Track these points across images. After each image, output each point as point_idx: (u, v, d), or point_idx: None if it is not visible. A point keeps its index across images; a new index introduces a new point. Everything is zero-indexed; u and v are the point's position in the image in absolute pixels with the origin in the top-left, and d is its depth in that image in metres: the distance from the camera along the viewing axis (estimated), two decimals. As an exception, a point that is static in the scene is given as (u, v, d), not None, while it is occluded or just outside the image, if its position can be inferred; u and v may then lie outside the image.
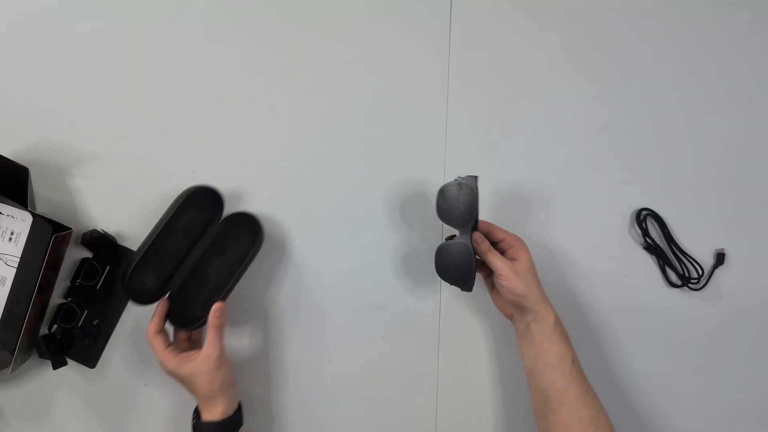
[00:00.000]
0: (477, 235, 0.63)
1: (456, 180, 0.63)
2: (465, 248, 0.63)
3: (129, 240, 0.73)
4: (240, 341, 0.72)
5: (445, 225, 0.66)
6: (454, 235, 0.65)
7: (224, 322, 0.63)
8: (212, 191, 0.68)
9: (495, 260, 0.62)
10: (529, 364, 0.62)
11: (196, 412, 0.63)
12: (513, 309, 0.65)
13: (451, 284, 0.65)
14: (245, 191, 0.74)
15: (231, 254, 0.67)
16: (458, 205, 0.63)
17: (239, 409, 0.64)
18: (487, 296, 0.71)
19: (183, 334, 0.66)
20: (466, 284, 0.63)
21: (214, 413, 0.60)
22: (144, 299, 0.66)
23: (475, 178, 0.63)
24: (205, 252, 0.68)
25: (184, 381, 0.62)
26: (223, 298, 0.66)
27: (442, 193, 0.64)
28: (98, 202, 0.73)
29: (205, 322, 0.63)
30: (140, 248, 0.66)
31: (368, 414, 0.72)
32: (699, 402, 0.72)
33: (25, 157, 0.72)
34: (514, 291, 0.61)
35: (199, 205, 0.68)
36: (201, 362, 0.60)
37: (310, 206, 0.74)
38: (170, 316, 0.65)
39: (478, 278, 0.67)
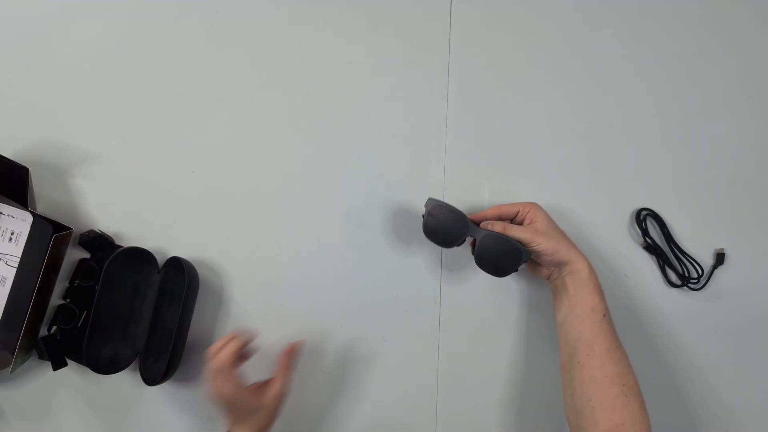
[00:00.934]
0: (486, 223, 0.64)
1: (424, 214, 0.64)
2: (495, 236, 0.63)
3: (128, 240, 0.73)
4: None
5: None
6: (474, 239, 0.66)
7: (297, 362, 0.62)
8: (140, 251, 0.70)
9: (515, 232, 0.62)
10: (561, 316, 0.63)
11: None
12: (551, 268, 0.65)
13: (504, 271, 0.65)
14: (246, 191, 0.74)
15: (178, 298, 0.68)
16: (448, 223, 0.64)
17: None
18: (487, 296, 0.71)
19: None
20: (519, 261, 0.63)
21: None
22: (111, 368, 0.68)
23: (429, 198, 0.64)
24: (156, 304, 0.70)
25: (244, 411, 0.59)
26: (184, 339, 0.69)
27: (428, 231, 0.64)
28: (98, 202, 0.73)
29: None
30: (89, 321, 0.67)
31: (368, 414, 0.72)
32: (699, 402, 0.71)
33: (25, 157, 0.72)
34: (545, 251, 0.61)
35: (134, 265, 0.70)
36: (273, 399, 0.60)
37: (310, 206, 0.74)
38: (144, 374, 0.68)
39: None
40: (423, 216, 0.65)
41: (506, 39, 0.77)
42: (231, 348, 0.59)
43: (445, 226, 0.64)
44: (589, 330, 0.59)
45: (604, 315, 0.60)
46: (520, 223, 0.65)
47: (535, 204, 0.65)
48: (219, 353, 0.59)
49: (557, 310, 0.64)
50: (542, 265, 0.66)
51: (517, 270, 0.64)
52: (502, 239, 0.63)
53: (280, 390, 0.61)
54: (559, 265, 0.63)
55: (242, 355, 0.61)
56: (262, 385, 0.62)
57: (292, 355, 0.63)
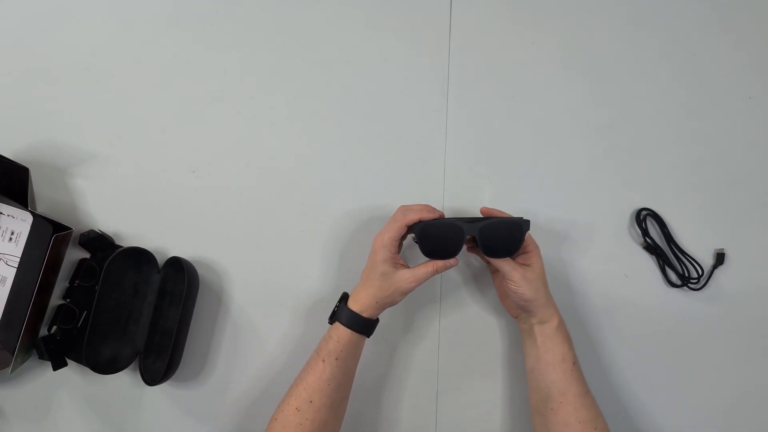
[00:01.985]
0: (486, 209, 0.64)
1: (416, 240, 0.63)
2: (490, 224, 0.62)
3: (128, 240, 0.73)
4: (240, 335, 0.72)
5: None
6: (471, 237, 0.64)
7: (439, 272, 0.62)
8: (140, 251, 0.70)
9: (506, 266, 0.62)
10: (531, 361, 0.64)
11: (345, 297, 0.65)
12: (519, 311, 0.66)
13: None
14: (245, 191, 0.74)
15: (178, 298, 0.69)
16: (442, 239, 0.62)
17: (376, 321, 0.64)
18: (486, 297, 0.71)
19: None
20: (523, 233, 0.63)
21: (363, 308, 0.62)
22: (111, 368, 0.68)
23: (411, 229, 0.63)
24: (156, 304, 0.70)
25: (378, 267, 0.62)
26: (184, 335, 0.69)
27: (428, 253, 0.63)
28: (98, 202, 0.73)
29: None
30: (89, 321, 0.68)
31: (368, 414, 0.72)
32: (699, 402, 0.71)
33: (25, 157, 0.72)
34: (522, 296, 0.62)
35: (134, 265, 0.71)
36: (400, 277, 0.61)
37: (309, 206, 0.74)
38: (144, 374, 0.68)
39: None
40: (416, 242, 0.63)
41: (506, 39, 0.77)
42: (421, 213, 0.62)
43: (441, 242, 0.62)
44: (561, 378, 0.61)
45: (574, 363, 0.62)
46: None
47: (536, 247, 0.64)
48: (413, 209, 0.62)
49: (527, 355, 0.65)
50: (513, 302, 0.65)
51: (523, 241, 0.63)
52: (499, 223, 0.62)
53: (413, 275, 0.61)
54: (528, 312, 0.63)
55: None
56: (407, 267, 0.63)
57: (442, 265, 0.62)
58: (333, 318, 0.64)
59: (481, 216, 0.66)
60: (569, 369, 0.61)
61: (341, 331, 0.62)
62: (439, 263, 0.62)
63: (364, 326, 0.62)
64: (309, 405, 0.60)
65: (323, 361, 0.61)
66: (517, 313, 0.67)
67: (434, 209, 0.63)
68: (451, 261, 0.62)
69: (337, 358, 0.61)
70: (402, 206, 0.64)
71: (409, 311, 0.72)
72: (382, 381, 0.72)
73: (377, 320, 0.64)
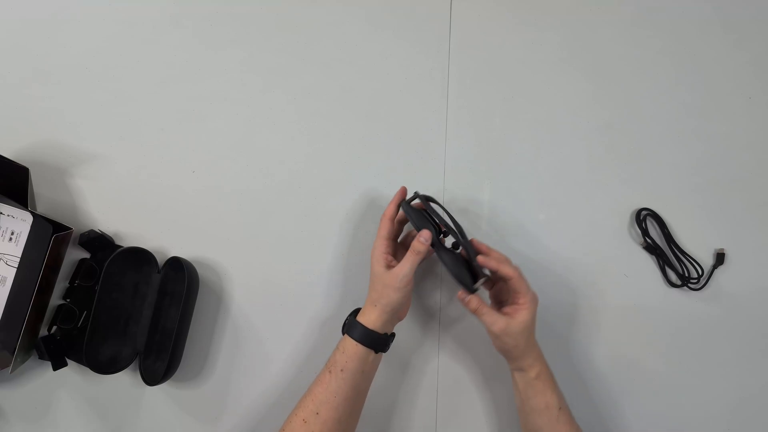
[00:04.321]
0: (461, 294, 0.62)
1: (410, 217, 0.63)
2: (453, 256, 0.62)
3: (128, 240, 0.73)
4: (240, 335, 0.72)
5: (446, 222, 0.66)
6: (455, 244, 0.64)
7: (425, 250, 0.61)
8: (140, 251, 0.70)
9: (487, 318, 0.60)
10: (517, 402, 0.63)
11: (355, 311, 0.64)
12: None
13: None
14: (245, 191, 0.74)
15: (178, 298, 0.69)
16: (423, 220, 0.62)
17: (390, 337, 0.63)
18: (487, 297, 0.70)
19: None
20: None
21: (368, 320, 0.61)
22: (111, 368, 0.68)
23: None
24: (156, 304, 0.70)
25: (373, 275, 0.62)
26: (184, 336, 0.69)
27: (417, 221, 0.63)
28: (98, 202, 0.73)
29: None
30: (89, 321, 0.68)
31: (368, 414, 0.72)
32: (699, 402, 0.71)
33: (25, 157, 0.72)
34: (500, 347, 0.61)
35: (134, 265, 0.70)
36: (387, 274, 0.60)
37: (309, 206, 0.74)
38: (144, 374, 0.68)
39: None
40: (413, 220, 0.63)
41: (506, 39, 0.77)
42: (389, 207, 0.63)
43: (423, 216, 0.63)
44: (546, 424, 0.60)
45: (560, 408, 0.60)
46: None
47: (532, 301, 0.60)
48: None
49: (514, 395, 0.63)
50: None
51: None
52: (459, 262, 0.61)
53: (398, 270, 0.60)
54: (508, 358, 0.62)
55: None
56: (392, 260, 0.62)
57: (420, 240, 0.61)
58: (342, 329, 0.63)
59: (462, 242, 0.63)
60: (554, 416, 0.60)
61: (347, 343, 0.61)
62: (415, 244, 0.60)
63: (369, 338, 0.60)
64: (316, 417, 0.58)
65: (329, 372, 0.60)
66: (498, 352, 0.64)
67: (403, 190, 0.64)
68: (424, 233, 0.61)
69: (342, 370, 0.59)
70: (388, 209, 0.64)
71: (410, 312, 0.72)
72: (382, 381, 0.72)
73: (386, 335, 0.62)
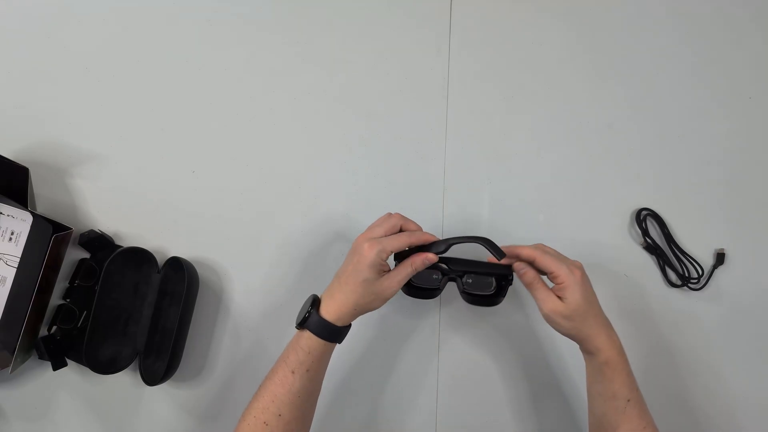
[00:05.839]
0: (519, 265, 0.59)
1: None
2: (475, 277, 0.61)
3: (128, 240, 0.73)
4: (240, 335, 0.72)
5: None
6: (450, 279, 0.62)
7: (418, 270, 0.58)
8: (140, 251, 0.70)
9: (538, 294, 0.57)
10: (587, 382, 0.60)
11: (317, 302, 0.59)
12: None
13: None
14: (245, 191, 0.74)
15: (178, 298, 0.68)
16: (423, 277, 0.61)
17: (349, 328, 0.59)
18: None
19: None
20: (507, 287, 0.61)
21: (340, 319, 0.57)
22: (111, 368, 0.68)
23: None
24: (156, 304, 0.70)
25: (359, 272, 0.57)
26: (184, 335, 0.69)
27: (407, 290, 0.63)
28: (98, 202, 0.73)
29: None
30: (89, 321, 0.68)
31: (368, 414, 0.72)
32: (699, 402, 0.71)
33: (25, 157, 0.72)
34: (559, 330, 0.58)
35: (134, 265, 0.70)
36: (380, 284, 0.57)
37: (309, 206, 0.74)
38: (144, 374, 0.68)
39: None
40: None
41: (506, 39, 0.77)
42: (404, 240, 0.58)
43: (421, 277, 0.60)
44: (612, 414, 0.56)
45: (628, 401, 0.55)
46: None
47: (568, 277, 0.56)
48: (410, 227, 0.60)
49: (586, 371, 0.60)
50: None
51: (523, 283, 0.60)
52: (484, 278, 0.60)
53: (396, 280, 0.57)
54: (573, 340, 0.58)
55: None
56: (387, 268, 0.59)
57: (420, 259, 0.58)
58: (303, 324, 0.58)
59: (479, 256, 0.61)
60: (621, 408, 0.55)
61: (313, 342, 0.57)
62: (417, 260, 0.58)
63: (336, 334, 0.58)
64: (278, 419, 0.55)
65: (293, 372, 0.56)
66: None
67: (426, 235, 0.59)
68: (429, 255, 0.58)
69: (308, 370, 0.57)
70: (400, 217, 0.60)
71: (409, 311, 0.72)
72: (382, 381, 0.72)
73: (350, 326, 0.59)
